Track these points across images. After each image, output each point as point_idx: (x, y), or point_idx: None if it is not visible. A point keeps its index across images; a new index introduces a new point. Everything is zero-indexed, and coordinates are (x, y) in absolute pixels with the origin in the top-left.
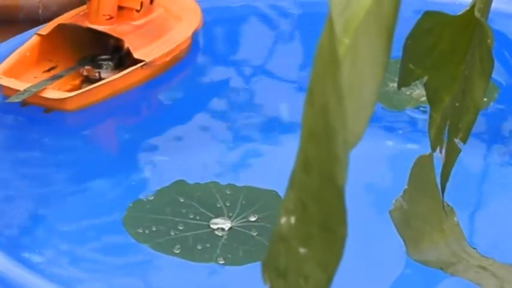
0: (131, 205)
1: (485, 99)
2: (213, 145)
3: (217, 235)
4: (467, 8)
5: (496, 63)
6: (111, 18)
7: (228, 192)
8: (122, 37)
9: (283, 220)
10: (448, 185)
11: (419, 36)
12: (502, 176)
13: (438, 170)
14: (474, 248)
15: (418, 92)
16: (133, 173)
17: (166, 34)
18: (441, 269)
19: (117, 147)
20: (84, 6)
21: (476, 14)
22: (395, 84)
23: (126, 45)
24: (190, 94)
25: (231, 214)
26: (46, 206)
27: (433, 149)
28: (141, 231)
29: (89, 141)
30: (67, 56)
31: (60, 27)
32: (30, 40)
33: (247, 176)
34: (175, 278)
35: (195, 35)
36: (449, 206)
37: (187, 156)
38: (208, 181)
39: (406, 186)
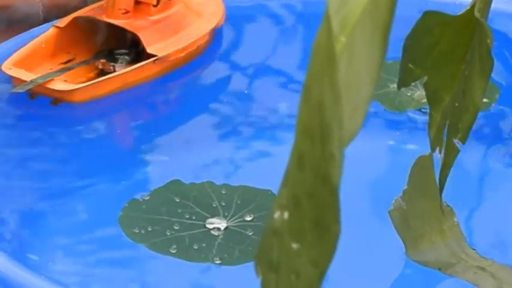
0: (127, 205)
1: (486, 100)
2: (208, 145)
3: (213, 235)
4: (467, 8)
5: (497, 64)
6: (127, 12)
7: (223, 192)
8: (136, 32)
9: (276, 215)
10: (448, 185)
11: (419, 36)
12: (502, 176)
13: (438, 171)
14: (474, 249)
15: (419, 93)
16: (129, 172)
17: (184, 30)
18: (440, 269)
19: (114, 145)
20: (103, 1)
21: (476, 14)
22: (395, 85)
23: (141, 39)
24: (192, 93)
25: (226, 214)
26: (44, 205)
27: (433, 149)
28: (137, 231)
29: (87, 138)
30: (85, 49)
31: (77, 20)
32: (46, 32)
33: (243, 175)
34: (172, 277)
35: (218, 30)
36: (449, 206)
37: (182, 156)
38: (203, 181)
39: (405, 187)
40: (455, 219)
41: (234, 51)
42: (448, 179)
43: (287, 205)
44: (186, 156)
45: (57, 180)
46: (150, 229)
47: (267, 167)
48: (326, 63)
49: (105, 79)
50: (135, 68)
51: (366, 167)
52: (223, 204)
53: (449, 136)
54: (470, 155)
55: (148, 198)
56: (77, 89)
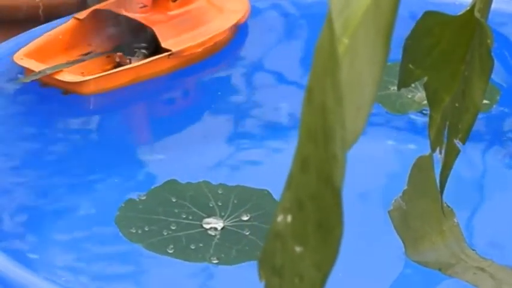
0: (123, 205)
1: (487, 101)
2: (203, 144)
3: (210, 235)
4: (467, 8)
5: (497, 64)
6: (144, 6)
7: (219, 191)
8: (152, 26)
9: (279, 218)
10: (448, 186)
11: (419, 36)
12: (503, 177)
13: (438, 171)
14: (473, 250)
15: (420, 95)
16: (125, 172)
17: (202, 26)
18: (439, 270)
19: (111, 144)
20: None
21: (476, 14)
22: (396, 87)
23: (156, 34)
24: (197, 90)
25: (223, 214)
26: (42, 205)
27: (433, 150)
28: (134, 231)
29: (86, 135)
30: (106, 42)
31: (96, 12)
32: (65, 24)
33: (239, 175)
34: (170, 277)
35: (243, 27)
36: (449, 207)
37: (178, 156)
38: (200, 181)
39: (405, 187)
40: (455, 220)
41: (255, 49)
42: (449, 180)
43: (290, 208)
44: (183, 155)
45: (52, 179)
46: (147, 229)
47: (264, 167)
48: (329, 65)
49: (115, 72)
50: (148, 62)
51: (366, 167)
52: (220, 204)
53: (449, 136)
54: (470, 156)
55: (144, 198)
56: (86, 80)
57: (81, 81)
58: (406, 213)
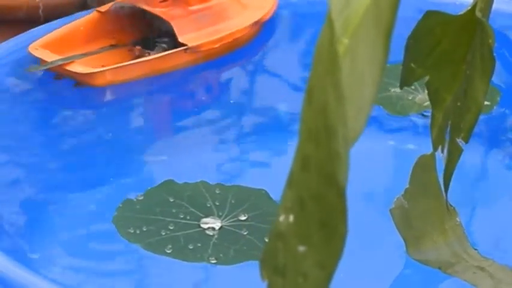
0: (121, 205)
1: (487, 102)
2: (200, 144)
3: (208, 234)
4: (469, 8)
5: (497, 65)
6: (165, 1)
7: (217, 191)
8: (170, 20)
9: (281, 218)
10: (449, 186)
11: (420, 35)
12: (503, 178)
13: (439, 170)
14: (475, 249)
15: (421, 96)
16: (122, 171)
17: (223, 22)
18: (440, 268)
19: (111, 142)
20: None
21: (478, 14)
22: (396, 89)
23: (174, 28)
24: (198, 89)
25: (220, 213)
26: (41, 203)
27: (435, 149)
28: (132, 231)
29: (86, 130)
30: (125, 35)
31: (117, 6)
32: (87, 16)
33: (236, 175)
34: (168, 277)
35: (271, 23)
36: (451, 206)
37: (175, 156)
38: (197, 181)
39: (407, 186)
40: (458, 219)
41: (277, 48)
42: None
43: (292, 208)
44: (180, 156)
45: (51, 177)
46: (145, 229)
47: (261, 167)
48: (329, 65)
49: (127, 65)
50: (162, 56)
51: (366, 166)
52: (218, 204)
53: (452, 136)
54: (471, 157)
55: (142, 198)
56: (96, 72)
57: (91, 73)
58: (408, 212)
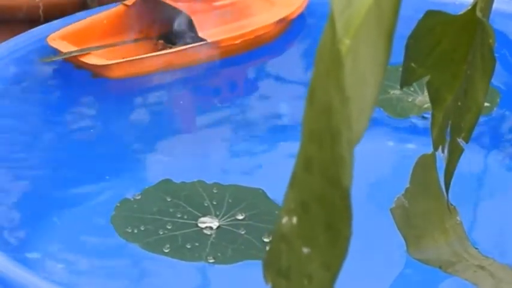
0: (118, 204)
1: (487, 104)
2: (197, 144)
3: (205, 234)
4: (469, 8)
5: (496, 66)
6: None
7: (214, 190)
8: (192, 15)
9: (284, 220)
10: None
11: (421, 35)
12: (503, 179)
13: (440, 170)
14: (476, 248)
15: (421, 98)
16: (119, 171)
17: (247, 18)
18: (440, 268)
19: (110, 141)
20: None
21: (478, 13)
22: (396, 91)
23: (194, 23)
24: (203, 87)
25: (218, 213)
26: (40, 203)
27: (436, 148)
28: (130, 230)
29: (86, 126)
30: (149, 29)
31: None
32: (112, 8)
33: (233, 174)
34: (167, 277)
35: (300, 21)
36: (452, 205)
37: (172, 155)
38: (194, 180)
39: (408, 185)
40: (459, 218)
41: (302, 46)
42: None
43: (295, 210)
44: (177, 155)
45: (49, 176)
46: (142, 228)
47: (258, 166)
48: (331, 66)
49: (143, 58)
50: (180, 50)
51: (367, 166)
52: (215, 203)
53: (452, 135)
54: (471, 157)
55: (139, 197)
56: (111, 64)
57: (107, 65)
58: (408, 211)
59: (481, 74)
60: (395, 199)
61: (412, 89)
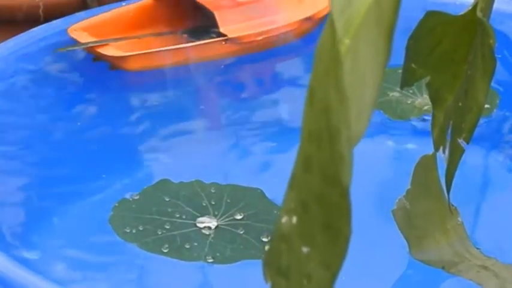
0: (117, 204)
1: (487, 105)
2: (196, 143)
3: (204, 234)
4: (469, 8)
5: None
6: None
7: (212, 190)
8: (214, 10)
9: (284, 219)
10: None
11: (421, 36)
12: (504, 179)
13: (441, 171)
14: (478, 248)
15: (420, 100)
16: (117, 171)
17: (272, 15)
18: (443, 268)
19: (109, 140)
20: None
21: (478, 14)
22: (395, 94)
23: (216, 18)
24: (210, 84)
25: (216, 213)
26: (39, 203)
27: (436, 149)
28: (128, 230)
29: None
30: (174, 23)
31: None
32: (140, 2)
33: (231, 174)
34: (166, 277)
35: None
36: (453, 205)
37: (170, 155)
38: (192, 180)
39: (409, 186)
40: (460, 219)
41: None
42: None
43: (295, 209)
44: (175, 155)
45: (48, 176)
46: (141, 228)
47: (256, 166)
48: (330, 65)
49: (160, 51)
50: (199, 45)
51: (368, 167)
52: (213, 203)
53: (453, 136)
54: (472, 158)
55: (137, 197)
56: (128, 56)
57: (123, 57)
58: (410, 213)
59: (482, 74)
60: (397, 201)
61: (411, 91)
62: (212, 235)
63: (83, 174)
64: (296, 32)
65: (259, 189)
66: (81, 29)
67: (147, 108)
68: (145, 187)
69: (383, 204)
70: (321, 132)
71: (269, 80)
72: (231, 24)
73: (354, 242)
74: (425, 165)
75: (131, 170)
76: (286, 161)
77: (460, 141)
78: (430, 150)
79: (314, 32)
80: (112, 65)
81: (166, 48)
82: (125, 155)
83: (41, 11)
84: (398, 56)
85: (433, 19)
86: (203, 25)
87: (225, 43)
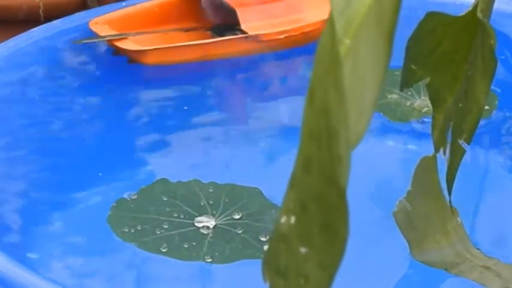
0: (115, 204)
1: (487, 107)
2: (194, 143)
3: (202, 233)
4: (470, 9)
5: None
6: None
7: (210, 190)
8: (236, 7)
9: (283, 219)
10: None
11: (421, 37)
12: (504, 180)
13: (441, 172)
14: (478, 249)
15: (419, 102)
16: (116, 171)
17: (295, 14)
18: (445, 269)
19: (108, 139)
20: None
21: (479, 14)
22: (394, 96)
23: (238, 15)
24: (203, 86)
25: (214, 212)
26: (39, 202)
27: (437, 150)
28: (126, 230)
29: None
30: (204, 20)
31: None
32: None
33: (229, 173)
34: (165, 277)
35: None
36: (453, 206)
37: (168, 155)
38: (190, 179)
39: (409, 188)
40: (459, 220)
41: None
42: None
43: (294, 209)
44: (173, 154)
45: (47, 175)
46: (139, 228)
47: (254, 165)
48: (330, 66)
49: (178, 46)
50: (218, 41)
51: (368, 168)
52: (211, 202)
53: (454, 137)
54: (472, 160)
55: (136, 197)
56: (146, 50)
57: (141, 51)
58: (411, 214)
59: (482, 74)
60: (398, 202)
61: (409, 93)
62: (211, 235)
63: (81, 175)
64: (320, 31)
65: (257, 188)
66: (102, 22)
67: (148, 108)
68: (143, 187)
69: (383, 206)
70: (321, 132)
71: (277, 80)
72: (252, 21)
73: (355, 243)
74: (426, 166)
75: (129, 170)
76: (285, 161)
77: (461, 142)
78: (430, 152)
79: None
80: (130, 59)
81: (184, 43)
82: (123, 155)
83: (41, 11)
84: (397, 58)
85: (433, 20)
86: (229, 22)
87: (246, 40)
